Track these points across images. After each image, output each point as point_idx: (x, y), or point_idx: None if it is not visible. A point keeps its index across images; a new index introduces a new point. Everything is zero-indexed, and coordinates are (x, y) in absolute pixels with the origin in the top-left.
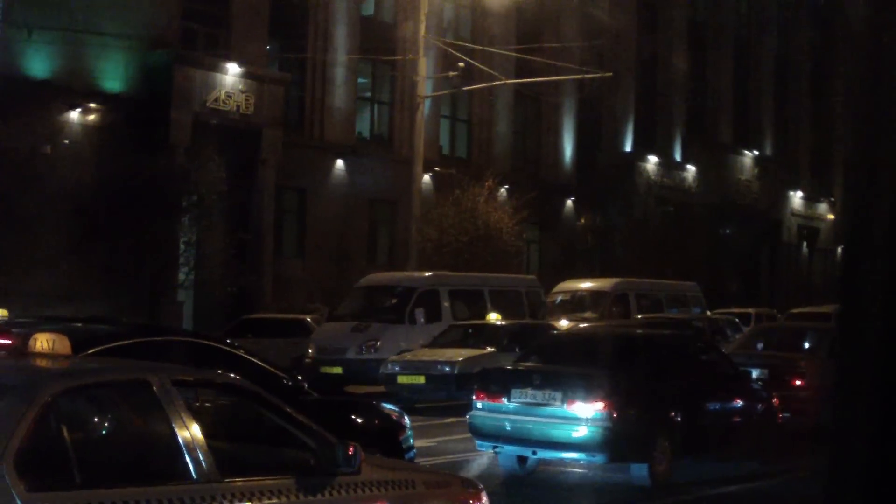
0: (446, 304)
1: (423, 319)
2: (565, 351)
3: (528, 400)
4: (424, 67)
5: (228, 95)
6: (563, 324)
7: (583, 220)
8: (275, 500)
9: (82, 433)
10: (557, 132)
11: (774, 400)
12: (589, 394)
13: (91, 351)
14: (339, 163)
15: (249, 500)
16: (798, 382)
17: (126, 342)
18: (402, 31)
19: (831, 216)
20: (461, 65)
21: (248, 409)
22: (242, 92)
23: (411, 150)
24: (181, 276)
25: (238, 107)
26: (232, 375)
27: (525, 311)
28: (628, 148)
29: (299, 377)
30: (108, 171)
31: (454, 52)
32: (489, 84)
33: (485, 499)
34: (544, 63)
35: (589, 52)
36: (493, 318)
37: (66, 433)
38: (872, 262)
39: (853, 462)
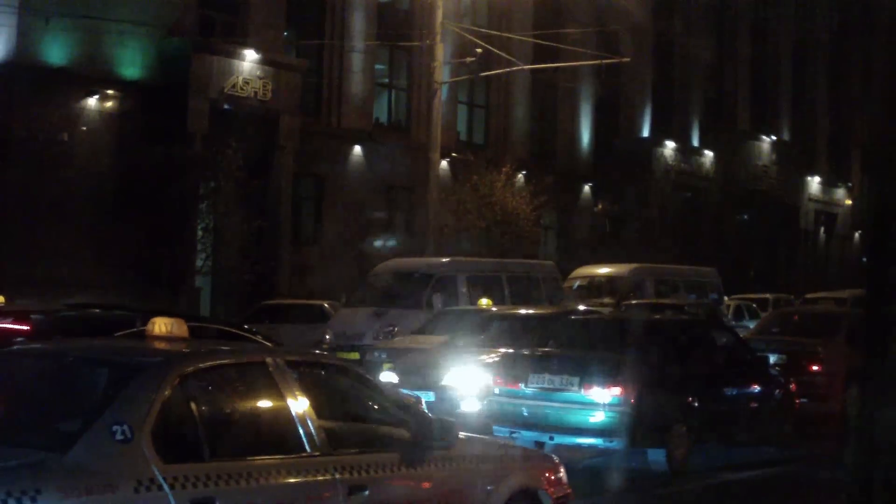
0: (464, 289)
1: (440, 305)
2: (583, 336)
3: (545, 385)
4: (442, 53)
5: (246, 82)
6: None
7: (600, 206)
8: (381, 473)
9: (208, 410)
10: (575, 118)
11: (792, 385)
12: (606, 379)
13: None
14: (357, 149)
15: (359, 471)
16: (816, 367)
17: (143, 328)
18: (420, 16)
19: (849, 202)
20: (479, 50)
21: (352, 388)
22: (260, 78)
23: (429, 137)
24: (199, 263)
25: (255, 93)
26: (337, 356)
27: (542, 296)
28: (646, 133)
29: None
30: (126, 158)
31: (471, 37)
32: (507, 70)
33: (562, 471)
34: (562, 49)
35: (606, 38)
36: (485, 303)
37: (194, 410)
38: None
39: (878, 447)
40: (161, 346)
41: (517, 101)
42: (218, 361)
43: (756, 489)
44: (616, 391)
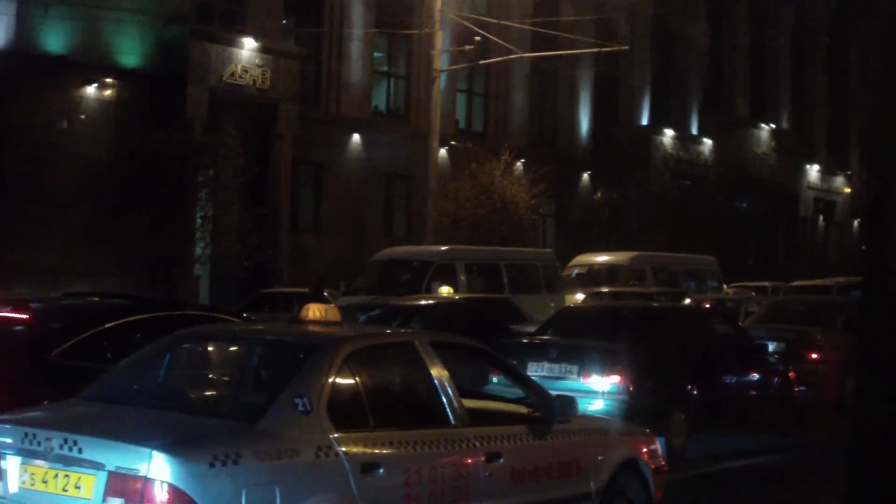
0: (462, 277)
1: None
2: (582, 324)
3: (544, 373)
4: (440, 41)
5: (245, 70)
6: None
7: (599, 194)
8: (512, 443)
9: (370, 384)
10: (574, 106)
11: (791, 373)
12: (605, 367)
13: (108, 325)
14: (356, 137)
15: (494, 441)
16: (815, 356)
17: (142, 316)
18: (418, 4)
19: (847, 189)
20: (477, 38)
21: (483, 366)
22: (259, 66)
23: (427, 125)
24: (198, 251)
25: (254, 81)
26: (472, 339)
27: (541, 284)
28: (644, 121)
29: None
30: (125, 146)
31: (470, 25)
32: (505, 58)
33: (657, 445)
34: (560, 36)
35: (605, 26)
36: (445, 291)
37: (359, 384)
38: (893, 235)
39: (875, 435)
40: (325, 329)
41: (516, 88)
42: (376, 342)
43: (755, 477)
44: (615, 379)
